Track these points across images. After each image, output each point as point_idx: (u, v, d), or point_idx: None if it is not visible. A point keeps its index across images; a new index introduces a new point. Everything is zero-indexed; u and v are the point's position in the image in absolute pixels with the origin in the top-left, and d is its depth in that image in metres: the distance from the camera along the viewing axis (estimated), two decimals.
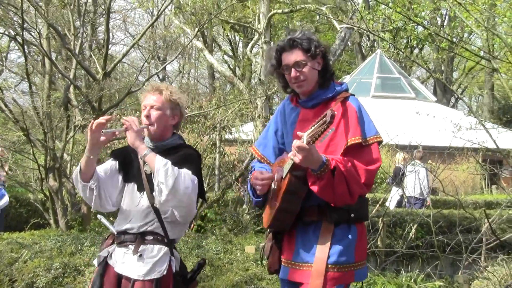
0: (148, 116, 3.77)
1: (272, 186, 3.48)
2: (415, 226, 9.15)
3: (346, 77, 25.74)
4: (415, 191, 12.52)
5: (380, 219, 8.67)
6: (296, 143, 3.04)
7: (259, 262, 7.14)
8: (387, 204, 11.33)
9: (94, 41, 15.28)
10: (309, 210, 3.38)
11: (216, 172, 11.93)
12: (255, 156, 3.81)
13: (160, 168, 3.50)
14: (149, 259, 3.63)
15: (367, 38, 34.87)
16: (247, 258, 7.48)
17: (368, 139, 3.34)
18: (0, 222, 11.36)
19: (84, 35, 11.04)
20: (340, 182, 3.18)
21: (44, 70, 10.21)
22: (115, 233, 3.81)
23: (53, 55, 11.92)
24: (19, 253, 7.13)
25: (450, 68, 36.97)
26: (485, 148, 9.36)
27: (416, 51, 35.71)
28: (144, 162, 3.68)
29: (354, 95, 3.49)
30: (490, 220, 7.48)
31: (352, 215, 3.38)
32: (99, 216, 4.11)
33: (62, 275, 6.56)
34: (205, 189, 10.02)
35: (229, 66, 36.20)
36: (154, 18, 11.38)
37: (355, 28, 12.42)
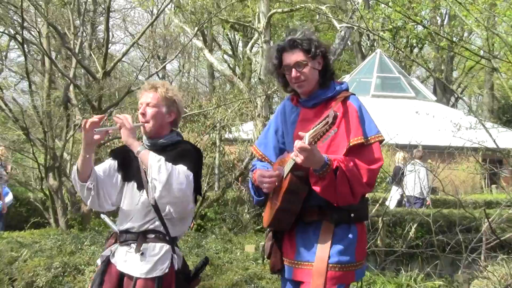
0: (143, 114, 3.77)
1: None
2: (415, 225, 9.17)
3: (346, 77, 25.74)
4: (415, 190, 12.53)
5: (380, 218, 8.67)
6: (298, 143, 3.04)
7: (259, 261, 7.15)
8: (387, 203, 11.32)
9: (94, 40, 15.31)
10: (309, 210, 3.38)
11: (216, 171, 11.94)
12: (255, 156, 3.81)
13: (153, 164, 3.50)
14: (151, 257, 3.62)
15: (367, 38, 34.85)
16: (247, 257, 7.49)
17: (369, 138, 3.34)
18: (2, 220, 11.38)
19: (84, 34, 11.04)
20: (342, 182, 3.19)
21: (44, 69, 10.20)
22: (118, 232, 3.81)
23: (53, 54, 11.91)
24: (19, 252, 7.13)
25: (450, 67, 36.96)
26: (485, 148, 9.36)
27: (416, 50, 35.68)
28: None
29: (354, 95, 3.49)
30: (490, 219, 7.47)
31: (352, 215, 3.39)
32: (102, 216, 4.11)
33: (62, 274, 6.57)
34: (205, 188, 10.10)
35: (229, 65, 36.17)
36: (154, 17, 11.38)
37: (355, 27, 12.42)
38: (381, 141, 3.40)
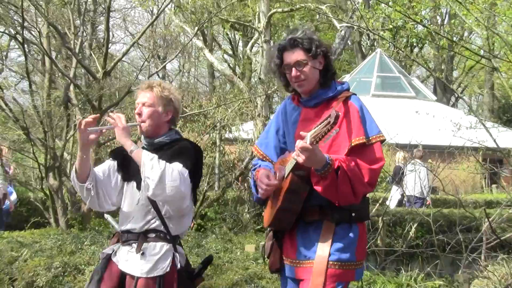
0: (139, 114, 3.77)
1: None
2: (415, 225, 9.17)
3: (346, 76, 25.70)
4: (415, 190, 12.53)
5: (380, 218, 8.67)
6: (299, 143, 3.04)
7: (259, 261, 7.16)
8: (387, 203, 11.33)
9: (94, 40, 15.29)
10: (310, 210, 3.38)
11: (216, 171, 11.94)
12: (256, 155, 3.82)
13: (146, 163, 3.51)
14: (152, 256, 3.63)
15: (367, 37, 34.86)
16: (247, 257, 7.49)
17: (371, 138, 3.34)
18: (6, 219, 11.41)
19: (84, 34, 11.03)
20: (344, 182, 3.19)
21: (44, 69, 10.19)
22: (120, 231, 3.82)
23: (53, 54, 11.91)
24: (19, 252, 7.13)
25: (450, 67, 36.96)
26: (485, 147, 9.37)
27: (416, 50, 35.68)
28: None
29: (355, 94, 3.49)
30: (490, 219, 7.48)
31: (354, 214, 3.39)
32: (105, 215, 4.12)
33: (62, 274, 6.57)
34: (205, 188, 10.09)
35: (229, 65, 36.15)
36: (154, 17, 11.38)
37: (355, 27, 12.43)
38: (382, 141, 3.40)
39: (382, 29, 14.00)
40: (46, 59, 10.00)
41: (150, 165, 3.50)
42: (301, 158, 3.07)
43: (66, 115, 9.79)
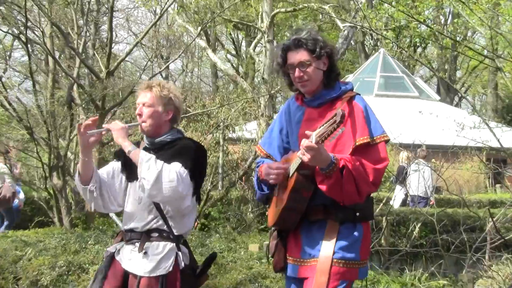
0: (140, 114, 3.78)
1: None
2: (419, 225, 9.15)
3: (349, 76, 25.68)
4: (418, 190, 12.51)
5: (384, 217, 8.67)
6: (304, 142, 3.04)
7: (263, 261, 7.16)
8: (391, 202, 11.32)
9: (97, 40, 15.30)
10: (314, 209, 3.38)
11: (220, 170, 11.94)
12: (259, 154, 3.82)
13: (143, 163, 3.52)
14: (154, 256, 3.63)
15: (370, 37, 34.83)
16: (251, 256, 7.50)
17: (375, 138, 3.34)
18: (17, 216, 11.47)
19: (88, 33, 11.06)
20: (348, 181, 3.19)
21: (47, 68, 10.20)
22: (123, 230, 3.82)
23: (57, 54, 11.92)
24: (23, 251, 7.14)
25: (453, 67, 36.88)
26: (489, 147, 9.37)
27: (419, 50, 35.64)
28: None
29: (359, 95, 3.49)
30: (494, 219, 7.48)
31: (358, 214, 3.39)
32: (110, 214, 4.13)
33: (66, 273, 6.59)
34: (209, 187, 10.10)
35: (232, 64, 36.17)
36: (157, 17, 11.39)
37: (358, 27, 12.41)
38: (386, 141, 3.40)
39: (385, 28, 13.97)
40: (50, 59, 10.01)
41: (147, 165, 3.50)
42: (306, 157, 3.07)
43: (69, 115, 9.81)
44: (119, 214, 4.10)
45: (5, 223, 11.10)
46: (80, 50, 10.03)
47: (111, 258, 3.80)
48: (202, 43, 17.01)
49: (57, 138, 9.41)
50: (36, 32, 10.55)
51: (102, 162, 9.25)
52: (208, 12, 15.05)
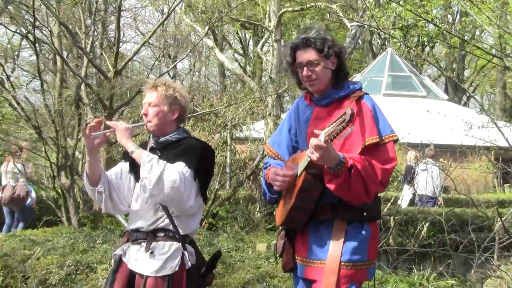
0: (145, 114, 3.78)
1: None
2: (427, 224, 9.13)
3: (357, 75, 25.63)
4: (427, 189, 12.49)
5: (392, 217, 8.65)
6: (313, 141, 3.04)
7: (270, 260, 7.15)
8: (399, 202, 11.30)
9: (105, 39, 15.32)
10: (322, 208, 3.37)
11: (227, 170, 11.94)
12: (267, 154, 3.81)
13: (145, 163, 3.52)
14: (161, 255, 3.63)
15: (378, 36, 34.76)
16: (259, 256, 7.49)
17: (384, 138, 3.34)
18: (30, 215, 11.55)
19: (95, 33, 11.08)
20: (356, 180, 3.18)
21: (55, 68, 10.22)
22: (129, 230, 3.83)
23: (65, 53, 11.94)
24: (32, 250, 7.16)
25: (461, 66, 36.77)
26: (497, 147, 9.34)
27: (427, 49, 35.56)
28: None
29: (368, 94, 3.48)
30: (503, 218, 7.44)
31: (365, 213, 3.38)
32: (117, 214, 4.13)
33: (74, 272, 6.59)
34: (217, 187, 10.10)
35: (239, 64, 36.16)
36: (165, 16, 11.38)
37: (366, 26, 12.39)
38: (395, 141, 3.39)
39: (393, 28, 13.95)
40: (58, 58, 10.03)
41: (149, 166, 3.50)
42: (315, 156, 3.06)
43: (77, 114, 9.83)
44: (125, 214, 4.10)
45: (20, 224, 11.16)
46: (88, 50, 10.05)
47: (119, 260, 3.81)
48: (210, 42, 17.04)
49: (65, 138, 9.43)
50: (44, 32, 10.58)
51: (110, 161, 9.28)
52: (215, 12, 15.09)
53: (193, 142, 3.82)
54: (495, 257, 7.48)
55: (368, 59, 32.89)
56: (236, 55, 38.24)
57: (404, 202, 12.61)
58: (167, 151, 3.70)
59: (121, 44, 14.53)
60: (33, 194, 11.54)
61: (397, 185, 12.86)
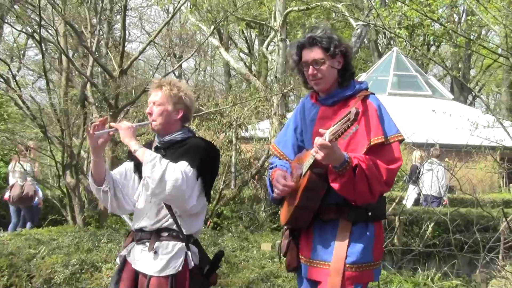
0: (150, 113, 3.79)
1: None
2: (432, 224, 9.12)
3: (363, 75, 25.62)
4: (432, 189, 12.46)
5: (397, 217, 8.64)
6: (318, 140, 3.03)
7: (275, 260, 7.15)
8: (404, 202, 11.29)
9: (111, 39, 15.33)
10: (327, 208, 3.37)
11: (232, 169, 11.93)
12: (272, 154, 3.81)
13: (147, 162, 3.53)
14: (164, 255, 3.64)
15: (383, 36, 34.72)
16: (263, 255, 7.48)
17: (389, 138, 3.34)
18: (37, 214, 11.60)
19: (101, 32, 11.07)
20: (361, 180, 3.18)
21: (61, 67, 10.23)
22: (134, 230, 3.83)
23: (70, 53, 11.95)
24: (37, 249, 7.16)
25: (467, 65, 36.69)
26: (503, 146, 9.32)
27: (433, 48, 35.49)
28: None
29: (373, 94, 3.48)
30: (508, 218, 7.43)
31: (370, 213, 3.38)
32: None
33: (79, 271, 6.60)
34: (222, 186, 10.10)
35: (245, 63, 36.18)
36: (170, 15, 11.39)
37: (371, 25, 12.38)
38: (400, 141, 3.39)
39: (399, 27, 13.91)
40: (63, 57, 10.04)
41: (151, 164, 3.51)
42: (319, 155, 3.06)
43: (83, 113, 9.83)
44: (130, 214, 4.11)
45: (28, 224, 11.20)
46: (94, 49, 10.05)
47: (124, 260, 3.82)
48: (215, 41, 17.03)
49: (71, 137, 9.44)
50: (49, 31, 10.58)
51: (115, 161, 9.28)
52: (221, 11, 15.06)
53: (198, 142, 3.81)
54: (500, 257, 7.46)
55: (374, 58, 32.85)
56: (241, 54, 38.26)
57: (409, 202, 12.59)
58: (172, 150, 3.71)
59: (126, 43, 14.56)
60: (40, 194, 11.58)
61: (402, 185, 12.85)
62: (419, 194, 12.81)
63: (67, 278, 6.49)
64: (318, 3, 14.46)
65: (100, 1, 10.70)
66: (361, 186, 3.19)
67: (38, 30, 9.27)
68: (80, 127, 9.99)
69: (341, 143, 3.18)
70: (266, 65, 28.30)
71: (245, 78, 16.34)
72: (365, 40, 26.01)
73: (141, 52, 11.59)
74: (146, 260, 3.67)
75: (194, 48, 13.48)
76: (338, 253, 3.31)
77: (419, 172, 11.62)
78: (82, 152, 9.89)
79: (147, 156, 3.56)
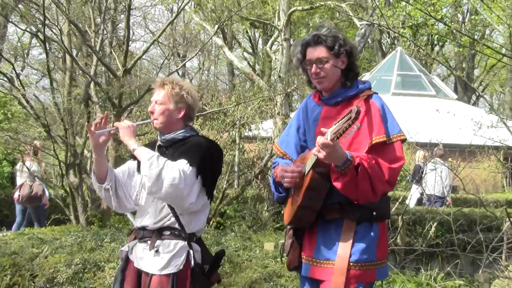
0: (152, 112, 3.80)
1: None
2: (435, 224, 9.11)
3: (366, 74, 25.60)
4: (435, 189, 12.45)
5: (400, 217, 8.63)
6: (320, 139, 3.03)
7: (278, 259, 7.14)
8: (407, 202, 11.28)
9: (115, 38, 15.35)
10: (330, 208, 3.37)
11: (236, 169, 11.93)
12: (275, 153, 3.82)
13: (145, 161, 3.53)
14: (165, 254, 3.65)
15: (387, 35, 34.69)
16: (266, 255, 7.48)
17: (391, 137, 3.33)
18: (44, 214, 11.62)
19: (105, 32, 11.07)
20: (363, 179, 3.18)
21: (65, 66, 10.26)
22: (136, 228, 3.84)
23: (74, 52, 11.98)
24: (40, 249, 7.17)
25: (471, 65, 36.65)
26: (506, 146, 9.30)
27: (436, 48, 35.45)
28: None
29: (377, 93, 3.48)
30: (511, 218, 7.42)
31: (374, 213, 3.38)
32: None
33: (82, 270, 6.60)
34: (225, 185, 10.10)
35: (248, 63, 36.15)
36: (175, 15, 11.38)
37: (375, 25, 12.36)
38: (403, 140, 3.39)
39: (402, 26, 13.89)
40: (67, 57, 10.06)
41: (149, 163, 3.51)
42: (321, 154, 3.06)
43: (86, 113, 9.84)
44: (134, 213, 4.11)
45: (35, 225, 11.20)
46: (97, 48, 10.06)
47: (127, 258, 3.83)
48: (219, 41, 17.03)
49: (74, 136, 9.45)
50: (53, 30, 10.59)
51: (119, 160, 9.29)
52: (225, 10, 15.08)
53: (199, 140, 3.81)
54: (503, 257, 7.46)
55: (378, 58, 32.85)
56: (245, 54, 38.30)
57: (412, 202, 12.58)
58: (173, 148, 3.72)
59: (130, 42, 14.58)
60: (47, 194, 11.59)
61: (405, 185, 12.83)
62: (422, 194, 12.82)
63: (70, 277, 6.50)
64: (322, 3, 14.45)
65: (104, 1, 10.73)
66: (363, 185, 3.19)
67: (42, 29, 9.29)
68: (83, 127, 10.00)
69: (343, 142, 3.18)
70: (269, 65, 28.30)
71: (248, 78, 16.33)
72: (369, 39, 25.96)
73: (145, 52, 11.62)
74: (148, 259, 3.67)
75: (198, 48, 13.49)
76: (342, 253, 3.31)
77: (422, 172, 11.62)
78: (85, 152, 9.90)
79: (145, 154, 3.57)
